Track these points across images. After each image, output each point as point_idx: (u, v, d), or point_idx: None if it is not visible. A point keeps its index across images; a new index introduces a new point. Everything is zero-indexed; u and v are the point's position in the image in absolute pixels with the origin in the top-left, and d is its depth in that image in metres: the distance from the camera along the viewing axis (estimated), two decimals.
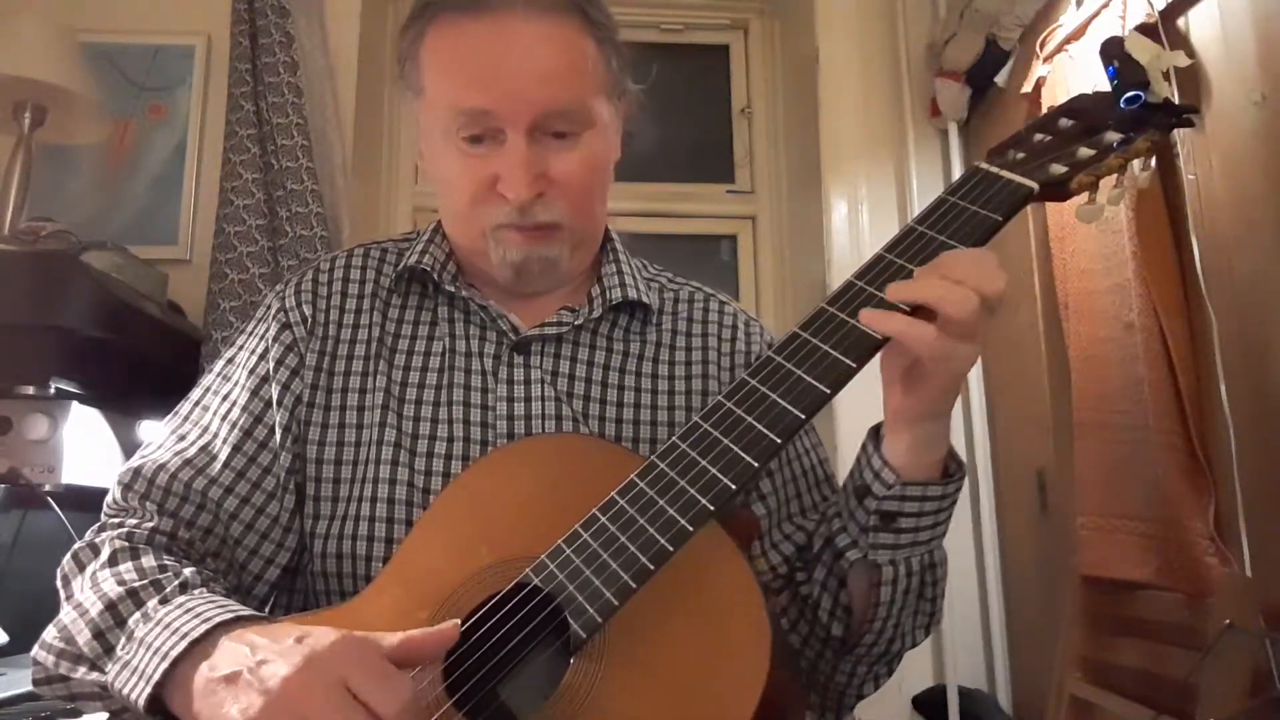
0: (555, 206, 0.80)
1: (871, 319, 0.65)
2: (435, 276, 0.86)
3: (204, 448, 0.80)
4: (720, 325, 0.92)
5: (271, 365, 0.83)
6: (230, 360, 0.87)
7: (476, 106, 0.77)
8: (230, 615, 0.63)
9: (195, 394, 0.86)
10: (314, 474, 0.81)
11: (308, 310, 0.86)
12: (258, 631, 0.61)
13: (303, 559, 0.81)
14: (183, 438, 0.82)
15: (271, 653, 0.57)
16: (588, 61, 0.80)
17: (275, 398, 0.82)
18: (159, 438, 0.83)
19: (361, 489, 0.79)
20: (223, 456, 0.79)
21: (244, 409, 0.82)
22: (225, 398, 0.84)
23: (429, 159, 0.85)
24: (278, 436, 0.81)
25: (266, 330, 0.86)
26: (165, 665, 0.61)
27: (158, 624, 0.64)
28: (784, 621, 0.80)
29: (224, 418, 0.82)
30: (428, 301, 0.88)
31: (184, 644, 0.61)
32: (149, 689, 0.61)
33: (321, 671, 0.54)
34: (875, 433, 0.74)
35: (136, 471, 0.78)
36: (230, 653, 0.59)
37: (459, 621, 0.60)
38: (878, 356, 0.67)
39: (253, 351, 0.85)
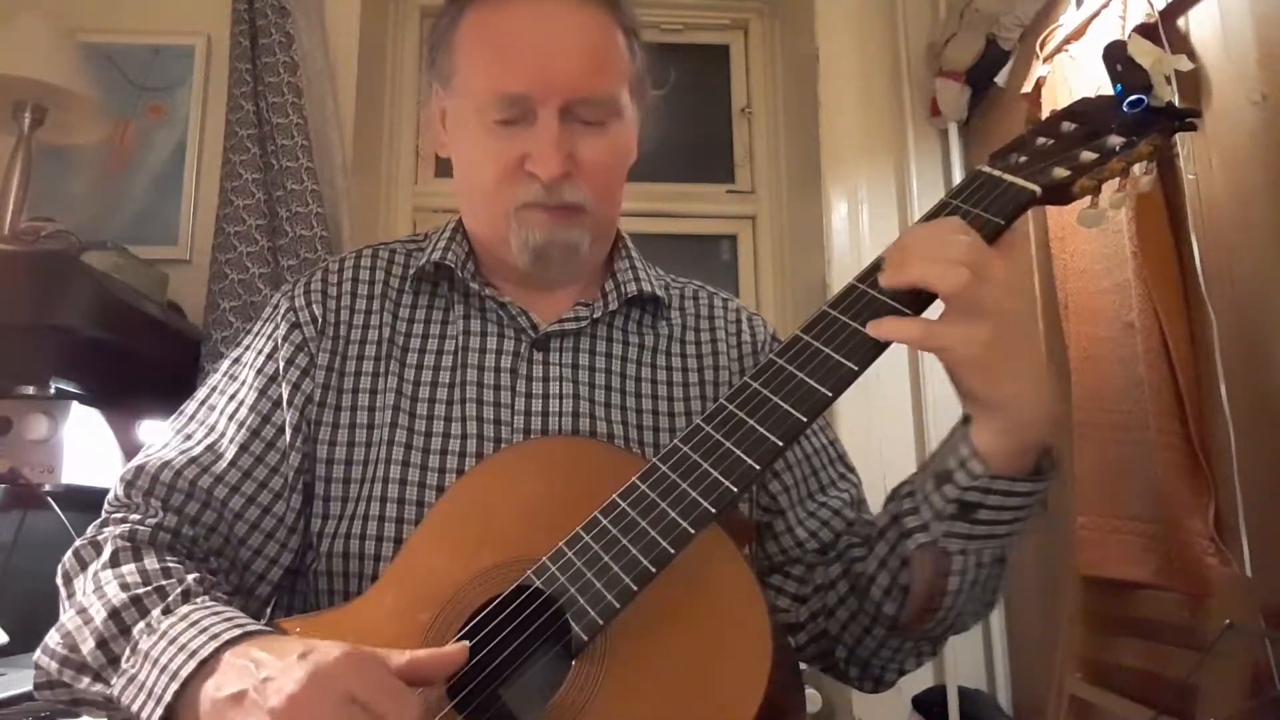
0: (581, 188, 0.81)
1: (881, 330, 0.64)
2: (459, 272, 0.86)
3: (210, 446, 0.80)
4: (725, 320, 0.94)
5: (281, 364, 0.83)
6: (237, 360, 0.87)
7: (514, 91, 0.78)
8: (238, 632, 0.62)
9: (201, 394, 0.86)
10: (323, 474, 0.81)
11: (318, 310, 0.86)
12: (261, 647, 0.59)
13: (306, 559, 0.81)
14: (189, 437, 0.81)
15: (276, 670, 0.56)
16: (619, 52, 0.83)
17: (285, 397, 0.82)
18: (163, 437, 0.83)
19: (371, 489, 0.79)
20: (229, 455, 0.79)
21: (251, 408, 0.82)
22: (232, 397, 0.83)
23: (455, 144, 0.86)
24: (287, 436, 0.80)
25: (275, 330, 0.85)
26: (176, 686, 0.60)
27: (163, 638, 0.63)
28: (832, 594, 0.80)
29: (231, 417, 0.82)
30: (439, 300, 0.88)
31: (194, 664, 0.60)
32: (160, 710, 0.60)
33: (328, 687, 0.53)
34: (967, 417, 0.70)
35: (140, 469, 0.78)
36: (235, 671, 0.58)
37: (468, 644, 0.60)
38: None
39: (260, 351, 0.85)
